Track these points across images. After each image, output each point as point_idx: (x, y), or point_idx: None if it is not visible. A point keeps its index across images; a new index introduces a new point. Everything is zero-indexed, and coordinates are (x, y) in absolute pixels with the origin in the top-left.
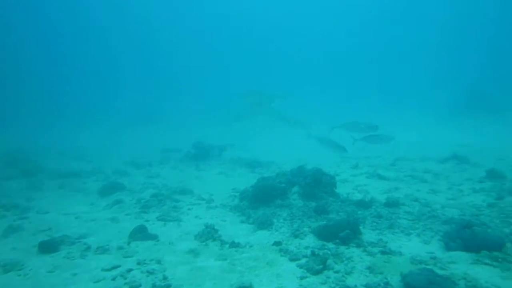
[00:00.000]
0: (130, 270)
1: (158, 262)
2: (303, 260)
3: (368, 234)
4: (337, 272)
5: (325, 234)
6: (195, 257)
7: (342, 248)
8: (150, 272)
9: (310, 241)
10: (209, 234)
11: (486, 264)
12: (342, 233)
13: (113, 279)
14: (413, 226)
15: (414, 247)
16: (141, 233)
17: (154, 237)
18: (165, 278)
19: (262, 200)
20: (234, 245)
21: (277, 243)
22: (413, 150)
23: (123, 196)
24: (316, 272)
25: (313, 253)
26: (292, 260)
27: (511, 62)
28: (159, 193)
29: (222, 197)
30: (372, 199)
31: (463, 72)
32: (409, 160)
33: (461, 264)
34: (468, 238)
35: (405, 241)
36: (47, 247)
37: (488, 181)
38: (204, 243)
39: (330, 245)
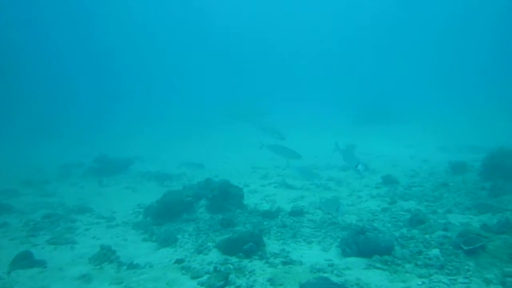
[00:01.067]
0: None
1: None
2: (205, 277)
3: (272, 245)
4: (238, 287)
5: (229, 248)
6: (87, 283)
7: (245, 262)
8: None
9: (214, 256)
10: (104, 256)
11: (377, 268)
12: (246, 246)
13: None
14: (315, 234)
15: (315, 255)
16: (25, 260)
17: (41, 264)
18: None
19: (167, 215)
20: (132, 266)
21: (179, 261)
22: (320, 158)
23: (10, 218)
24: None
25: (215, 269)
26: (193, 278)
27: (406, 79)
28: (53, 213)
29: (125, 214)
30: (279, 209)
31: (366, 86)
32: (315, 168)
33: (355, 269)
34: (362, 243)
35: (307, 249)
36: None
37: (383, 186)
38: (98, 267)
39: (234, 259)
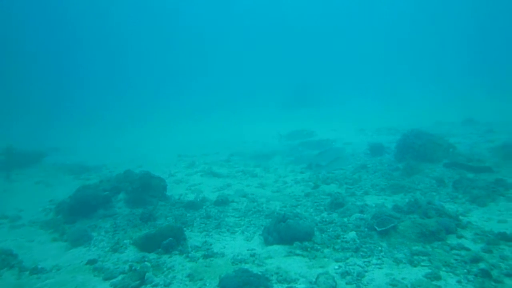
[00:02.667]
0: None
1: None
2: (119, 277)
3: (195, 238)
4: (155, 285)
5: (147, 244)
6: None
7: (164, 258)
8: None
9: (131, 254)
10: (3, 262)
11: (297, 255)
12: (165, 241)
13: None
14: (239, 223)
15: (237, 246)
16: None
17: None
18: None
19: (81, 211)
20: (36, 271)
21: (92, 261)
22: (248, 144)
23: None
24: None
25: (130, 268)
26: (106, 279)
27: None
28: None
29: (34, 211)
30: (204, 199)
31: (295, 73)
32: (243, 155)
33: (276, 258)
34: (283, 231)
35: (230, 240)
36: None
37: (307, 171)
38: None
39: (152, 255)
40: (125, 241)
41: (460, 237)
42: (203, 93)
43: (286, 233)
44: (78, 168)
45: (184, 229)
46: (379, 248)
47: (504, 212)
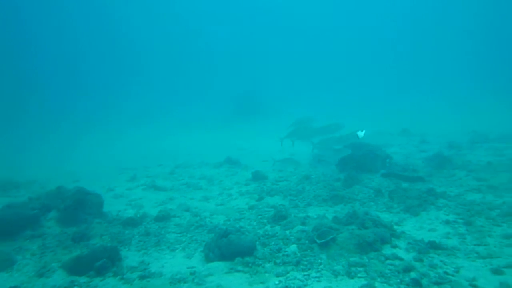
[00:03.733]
0: None
1: None
2: None
3: (132, 257)
4: None
5: (77, 267)
6: None
7: (96, 281)
8: None
9: (59, 278)
10: None
11: (238, 271)
12: (98, 262)
13: None
14: (180, 240)
15: (177, 264)
16: None
17: None
18: None
19: (4, 233)
20: None
21: None
22: (194, 156)
23: None
24: None
25: None
26: None
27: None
28: None
29: None
30: (144, 215)
31: (241, 83)
32: (188, 167)
33: (217, 275)
34: (225, 247)
35: (169, 258)
36: None
37: (253, 183)
38: None
39: (83, 279)
40: (53, 264)
41: (395, 246)
42: (148, 97)
43: (227, 248)
44: (5, 184)
45: (121, 248)
46: (319, 260)
47: (434, 221)
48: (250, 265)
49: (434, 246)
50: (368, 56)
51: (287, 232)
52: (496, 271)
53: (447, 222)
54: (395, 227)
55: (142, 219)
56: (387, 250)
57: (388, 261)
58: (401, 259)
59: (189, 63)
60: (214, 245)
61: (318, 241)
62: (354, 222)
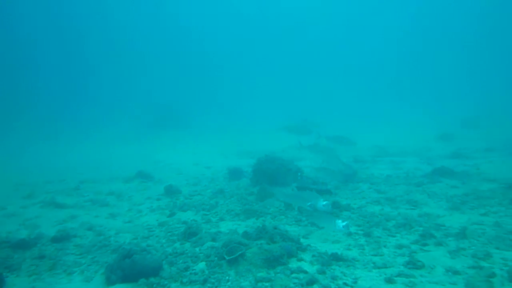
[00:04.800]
0: None
1: None
2: None
3: (20, 284)
4: None
5: None
6: None
7: None
8: None
9: None
10: None
11: None
12: None
13: None
14: (79, 262)
15: None
16: None
17: None
18: None
19: None
20: None
21: None
22: (102, 170)
23: None
24: None
25: None
26: None
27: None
28: None
29: None
30: (39, 235)
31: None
32: (95, 182)
33: None
34: (128, 268)
35: (65, 283)
36: None
37: (165, 197)
38: None
39: None
40: None
41: (300, 260)
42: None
43: (131, 270)
44: None
45: (8, 274)
46: (227, 277)
47: (338, 233)
48: (154, 286)
49: (336, 258)
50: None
51: (197, 249)
52: (389, 280)
53: (349, 234)
54: (302, 240)
55: (36, 241)
56: (293, 264)
57: (293, 275)
58: (305, 272)
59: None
60: (116, 267)
61: (227, 258)
62: (264, 236)
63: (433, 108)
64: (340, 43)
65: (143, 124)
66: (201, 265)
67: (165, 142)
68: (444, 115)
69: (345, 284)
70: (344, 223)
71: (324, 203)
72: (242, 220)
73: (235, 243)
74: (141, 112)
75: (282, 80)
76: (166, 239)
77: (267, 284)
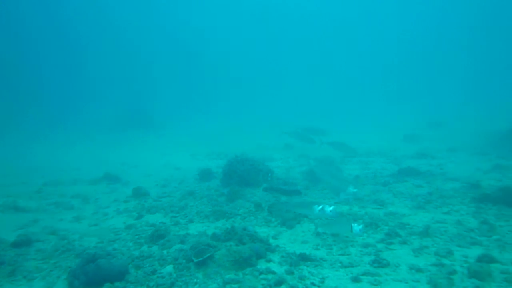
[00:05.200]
0: None
1: None
2: None
3: None
4: None
5: None
6: None
7: None
8: None
9: None
10: None
11: None
12: None
13: None
14: (40, 267)
15: None
16: None
17: None
18: None
19: None
20: None
21: None
22: (67, 172)
23: None
24: None
25: None
26: None
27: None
28: None
29: None
30: None
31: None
32: (59, 184)
33: None
34: (92, 272)
35: None
36: None
37: (133, 200)
38: None
39: None
40: None
41: (269, 261)
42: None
43: (95, 274)
44: None
45: None
46: (195, 280)
47: (307, 233)
48: None
49: (304, 258)
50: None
51: (165, 252)
52: (355, 279)
53: (317, 234)
54: (272, 240)
55: None
56: (262, 265)
57: (262, 276)
58: (273, 273)
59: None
60: (80, 271)
61: (195, 260)
62: (233, 238)
63: (406, 109)
64: (322, 43)
65: (112, 125)
66: (169, 268)
67: (135, 144)
68: (414, 116)
69: (312, 284)
70: (360, 227)
71: (331, 208)
72: (211, 221)
73: (203, 245)
74: (112, 113)
75: (274, 81)
76: (133, 242)
77: (235, 286)
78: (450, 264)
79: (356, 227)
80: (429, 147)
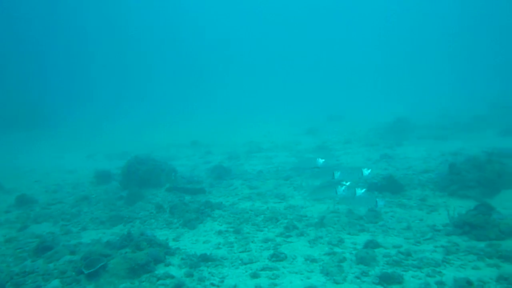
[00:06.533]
0: None
1: None
2: None
3: None
4: None
5: None
6: None
7: None
8: None
9: None
10: None
11: None
12: None
13: None
14: None
15: None
16: None
17: None
18: None
19: None
20: None
21: None
22: None
23: None
24: None
25: None
26: None
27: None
28: None
29: None
30: None
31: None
32: None
33: None
34: None
35: None
36: None
37: (16, 209)
38: None
39: None
40: None
41: (168, 265)
42: None
43: None
44: None
45: None
46: None
47: (209, 232)
48: None
49: (205, 258)
50: None
51: (51, 265)
52: (254, 275)
53: (219, 233)
54: (172, 243)
55: None
56: (160, 270)
57: (159, 281)
58: (172, 277)
59: None
60: None
61: (86, 271)
62: (129, 244)
63: (312, 104)
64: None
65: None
66: (55, 282)
67: (18, 146)
68: (319, 110)
69: (212, 284)
70: (382, 202)
71: (363, 190)
72: (108, 228)
73: (96, 254)
74: None
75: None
76: (14, 257)
77: None
78: (341, 252)
79: (380, 202)
80: (328, 140)
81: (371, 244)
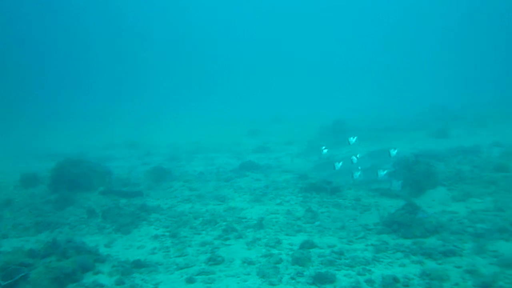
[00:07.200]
0: None
1: None
2: None
3: None
4: None
5: None
6: None
7: None
8: None
9: None
10: None
11: None
12: None
13: None
14: None
15: None
16: None
17: None
18: None
19: None
20: None
21: None
22: None
23: None
24: None
25: None
26: None
27: None
28: None
29: None
30: None
31: None
32: None
33: None
34: None
35: None
36: None
37: None
38: None
39: None
40: None
41: (97, 273)
42: None
43: None
44: None
45: None
46: None
47: (144, 237)
48: None
49: (138, 264)
50: None
51: None
52: (190, 280)
53: (155, 237)
54: (103, 249)
55: None
56: (88, 278)
57: None
58: (101, 285)
59: None
60: None
61: (3, 283)
62: (54, 252)
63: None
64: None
65: None
66: None
67: None
68: (262, 112)
69: None
70: (384, 172)
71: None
72: (32, 234)
73: (15, 264)
74: None
75: None
76: None
77: None
78: (277, 254)
79: (381, 172)
80: (270, 141)
81: (307, 245)
